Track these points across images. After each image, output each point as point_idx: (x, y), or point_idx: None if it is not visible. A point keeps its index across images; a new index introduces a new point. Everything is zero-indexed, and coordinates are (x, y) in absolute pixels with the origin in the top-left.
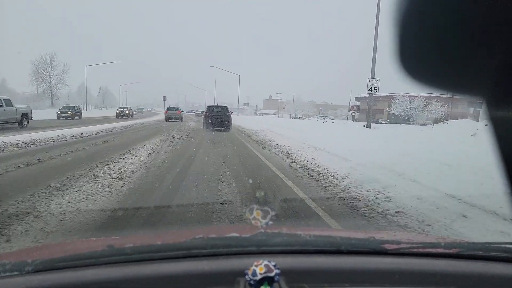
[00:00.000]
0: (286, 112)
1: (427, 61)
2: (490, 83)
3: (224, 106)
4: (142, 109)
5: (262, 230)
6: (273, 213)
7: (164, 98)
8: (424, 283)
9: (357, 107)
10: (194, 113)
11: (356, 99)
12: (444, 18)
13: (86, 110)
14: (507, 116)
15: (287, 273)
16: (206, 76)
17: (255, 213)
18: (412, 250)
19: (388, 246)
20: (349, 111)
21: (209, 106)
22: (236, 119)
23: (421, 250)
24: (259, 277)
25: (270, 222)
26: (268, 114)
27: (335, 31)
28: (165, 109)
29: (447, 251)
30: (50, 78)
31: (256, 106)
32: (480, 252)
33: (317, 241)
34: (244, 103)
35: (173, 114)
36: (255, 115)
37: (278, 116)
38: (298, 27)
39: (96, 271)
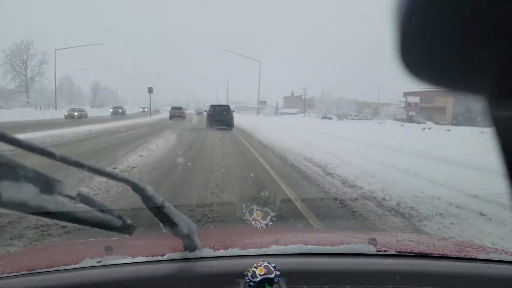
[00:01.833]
0: (312, 111)
1: (428, 58)
2: (492, 81)
3: (227, 106)
4: (120, 108)
5: None
6: (273, 214)
7: (150, 90)
8: (425, 284)
9: (416, 104)
10: (195, 112)
11: (405, 94)
12: (446, 15)
13: (55, 109)
14: (509, 115)
15: (287, 275)
16: (218, 74)
17: (255, 214)
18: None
19: None
20: (405, 109)
21: (212, 105)
22: (262, 127)
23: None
24: (258, 278)
25: (270, 223)
26: (290, 113)
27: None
28: (170, 108)
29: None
30: (26, 69)
31: (277, 104)
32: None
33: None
34: (260, 101)
35: (176, 113)
36: (275, 115)
37: (304, 116)
38: (314, 18)
39: (96, 272)
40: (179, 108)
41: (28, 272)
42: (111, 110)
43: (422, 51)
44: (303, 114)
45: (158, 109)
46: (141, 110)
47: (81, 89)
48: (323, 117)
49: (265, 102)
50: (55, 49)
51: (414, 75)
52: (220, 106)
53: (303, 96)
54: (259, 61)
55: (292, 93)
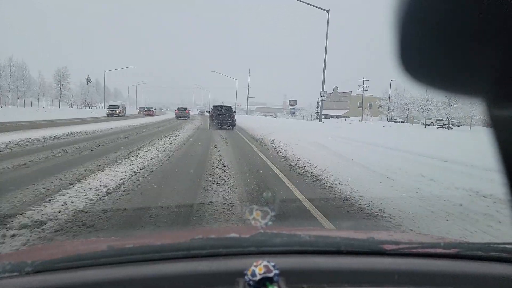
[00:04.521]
0: (369, 113)
1: (427, 60)
2: (491, 82)
3: (229, 106)
4: None
5: (262, 231)
6: (272, 213)
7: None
8: (424, 283)
9: None
10: (198, 112)
11: None
12: (445, 17)
13: None
14: (508, 116)
15: (286, 274)
16: (237, 74)
17: (254, 213)
18: (411, 250)
19: (387, 247)
20: None
21: (214, 106)
22: None
23: (420, 250)
24: (258, 277)
25: (270, 223)
26: (336, 116)
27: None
28: (176, 109)
29: (446, 251)
30: None
31: (317, 103)
32: (480, 252)
33: (317, 241)
34: (290, 101)
35: (182, 113)
36: (315, 118)
37: (362, 121)
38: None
39: (96, 272)
40: (184, 109)
41: (28, 272)
42: None
43: (421, 54)
44: (354, 119)
45: (153, 109)
46: (138, 111)
47: (48, 81)
48: (395, 121)
49: (295, 101)
50: None
51: (413, 77)
52: (222, 107)
53: (352, 93)
54: (328, 10)
55: (335, 88)
